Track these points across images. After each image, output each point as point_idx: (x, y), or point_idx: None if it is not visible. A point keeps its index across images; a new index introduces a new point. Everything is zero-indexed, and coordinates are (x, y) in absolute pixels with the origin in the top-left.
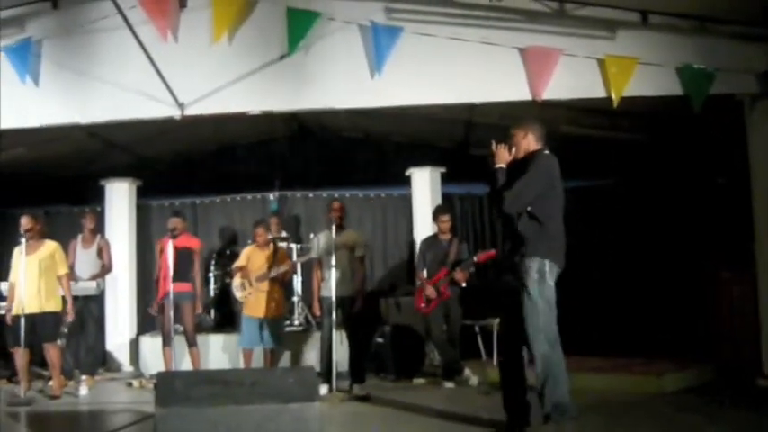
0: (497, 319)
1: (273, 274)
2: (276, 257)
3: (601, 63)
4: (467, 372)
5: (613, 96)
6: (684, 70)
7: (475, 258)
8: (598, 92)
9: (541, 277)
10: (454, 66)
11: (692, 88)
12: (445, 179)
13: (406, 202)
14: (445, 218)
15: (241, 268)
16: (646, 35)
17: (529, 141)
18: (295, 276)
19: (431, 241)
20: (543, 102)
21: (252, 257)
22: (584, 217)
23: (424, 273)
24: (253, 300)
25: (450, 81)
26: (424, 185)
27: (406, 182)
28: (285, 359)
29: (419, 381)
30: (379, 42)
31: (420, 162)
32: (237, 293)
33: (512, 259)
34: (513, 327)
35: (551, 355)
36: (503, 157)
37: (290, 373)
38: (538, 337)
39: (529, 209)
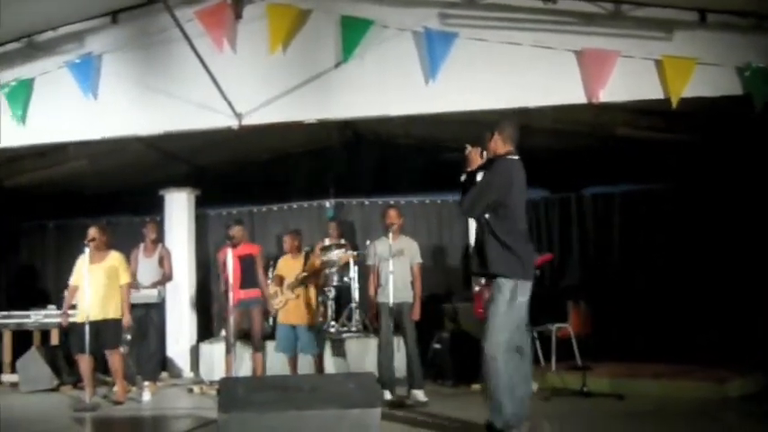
0: (556, 325)
1: (296, 283)
2: (306, 265)
3: (658, 64)
4: None
5: (672, 98)
6: (745, 70)
7: None
8: (656, 93)
9: (512, 295)
10: (509, 70)
11: (754, 88)
12: None
13: None
14: None
15: (281, 278)
16: (704, 35)
17: (496, 143)
18: (353, 283)
19: None
20: (599, 104)
21: (285, 266)
22: (638, 221)
23: (482, 278)
24: (286, 307)
25: (504, 85)
26: None
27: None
28: (341, 365)
29: (477, 387)
30: (433, 48)
31: None
32: (272, 302)
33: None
34: None
35: (498, 363)
36: (475, 162)
37: (350, 378)
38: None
39: (493, 226)
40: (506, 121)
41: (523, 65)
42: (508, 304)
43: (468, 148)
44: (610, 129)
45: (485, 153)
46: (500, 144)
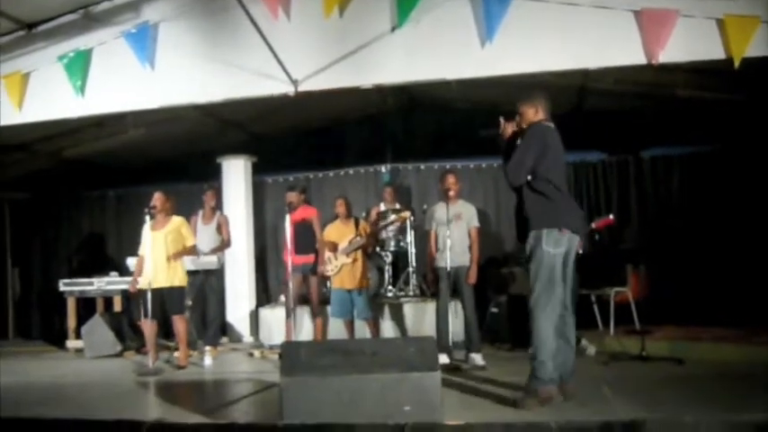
0: (614, 289)
1: (353, 247)
2: (358, 230)
3: (720, 23)
4: (583, 342)
5: (734, 58)
6: None
7: (593, 225)
8: (717, 53)
9: (537, 243)
10: (567, 31)
11: None
12: None
13: None
14: None
15: (333, 243)
16: None
17: (529, 114)
18: (409, 248)
19: None
20: (659, 65)
21: (336, 232)
22: (698, 183)
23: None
24: (340, 273)
25: (562, 47)
26: None
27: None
28: (398, 329)
29: None
30: (489, 10)
31: None
32: (324, 268)
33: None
34: None
35: (537, 318)
36: (509, 133)
37: (410, 342)
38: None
39: (531, 183)
40: (538, 91)
41: (581, 26)
42: (534, 250)
43: (502, 120)
44: (669, 90)
45: (522, 125)
46: (533, 114)
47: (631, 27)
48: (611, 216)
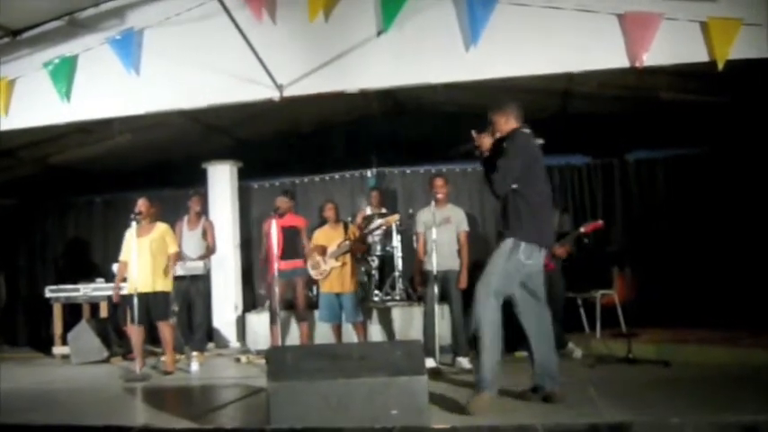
0: (600, 291)
1: (341, 251)
2: (347, 234)
3: (703, 26)
4: (570, 345)
5: (717, 60)
6: None
7: (582, 229)
8: (700, 56)
9: (514, 251)
10: (551, 35)
11: None
12: (543, 150)
13: None
14: None
15: (322, 248)
16: None
17: (501, 122)
18: (396, 252)
19: None
20: (643, 68)
21: (325, 236)
22: (683, 185)
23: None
24: (329, 277)
25: (547, 51)
26: None
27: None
28: (385, 333)
29: (521, 354)
30: (474, 14)
31: None
32: (313, 272)
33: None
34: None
35: (479, 304)
36: (487, 145)
37: (397, 346)
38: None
39: (518, 191)
40: (509, 100)
41: (565, 29)
42: (506, 257)
43: (474, 134)
44: (653, 93)
45: (496, 134)
46: (503, 122)
47: (615, 30)
48: (599, 221)
